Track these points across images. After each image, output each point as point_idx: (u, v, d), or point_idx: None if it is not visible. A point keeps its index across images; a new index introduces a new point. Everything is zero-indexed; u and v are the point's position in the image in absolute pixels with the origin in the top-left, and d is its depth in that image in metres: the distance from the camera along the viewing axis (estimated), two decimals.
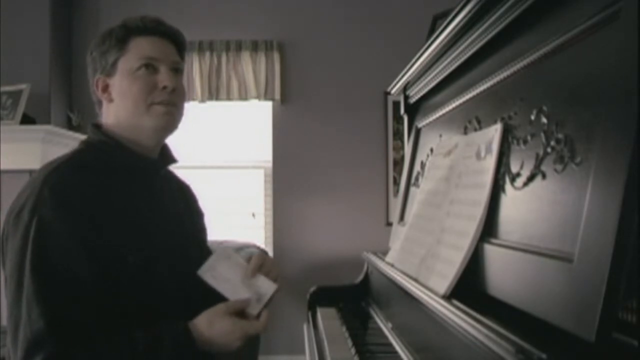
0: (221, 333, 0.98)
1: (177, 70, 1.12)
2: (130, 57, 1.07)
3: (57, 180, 0.97)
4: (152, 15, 1.12)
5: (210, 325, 0.98)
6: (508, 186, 0.93)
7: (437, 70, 1.49)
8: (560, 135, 0.79)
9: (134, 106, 1.06)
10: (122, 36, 1.08)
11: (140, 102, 1.06)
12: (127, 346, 0.92)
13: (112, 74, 1.08)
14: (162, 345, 0.94)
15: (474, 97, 1.22)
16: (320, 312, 1.74)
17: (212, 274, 1.05)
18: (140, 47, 1.08)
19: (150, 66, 1.07)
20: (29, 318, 0.89)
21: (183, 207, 1.24)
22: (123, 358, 0.92)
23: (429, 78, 1.59)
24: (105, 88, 1.09)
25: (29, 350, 0.88)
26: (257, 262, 1.09)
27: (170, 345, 0.94)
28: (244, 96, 3.51)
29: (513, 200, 0.91)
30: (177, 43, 1.14)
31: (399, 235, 1.50)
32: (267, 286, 1.08)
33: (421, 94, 1.72)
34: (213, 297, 1.03)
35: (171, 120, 1.10)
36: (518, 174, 0.90)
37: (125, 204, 1.04)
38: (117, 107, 1.08)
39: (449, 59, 1.38)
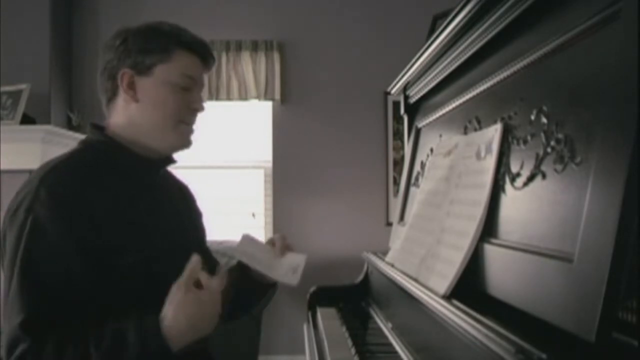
0: (192, 304, 0.92)
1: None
2: (172, 69, 1.08)
3: (54, 180, 0.97)
4: (194, 33, 1.13)
5: (177, 306, 0.91)
6: (508, 186, 0.93)
7: (437, 70, 1.49)
8: (560, 135, 0.79)
9: (163, 119, 1.08)
10: (170, 44, 1.08)
11: (173, 118, 1.09)
12: (94, 340, 0.89)
13: (145, 74, 1.07)
14: (128, 335, 0.90)
15: (474, 97, 1.22)
16: (320, 312, 1.74)
17: (245, 255, 1.14)
18: (184, 63, 1.09)
19: (188, 84, 1.10)
20: (11, 315, 0.91)
21: (182, 207, 1.24)
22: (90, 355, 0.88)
23: (429, 78, 1.59)
24: (131, 85, 1.08)
25: (8, 346, 0.90)
26: (284, 242, 1.20)
27: (136, 336, 0.90)
28: (244, 96, 3.51)
29: (513, 200, 0.91)
30: (208, 68, 1.17)
31: (399, 235, 1.50)
32: (297, 258, 1.17)
33: (421, 94, 1.72)
34: None
35: (190, 143, 1.15)
36: (518, 174, 0.90)
37: (125, 204, 1.04)
38: (142, 110, 1.08)
39: (449, 59, 1.38)
